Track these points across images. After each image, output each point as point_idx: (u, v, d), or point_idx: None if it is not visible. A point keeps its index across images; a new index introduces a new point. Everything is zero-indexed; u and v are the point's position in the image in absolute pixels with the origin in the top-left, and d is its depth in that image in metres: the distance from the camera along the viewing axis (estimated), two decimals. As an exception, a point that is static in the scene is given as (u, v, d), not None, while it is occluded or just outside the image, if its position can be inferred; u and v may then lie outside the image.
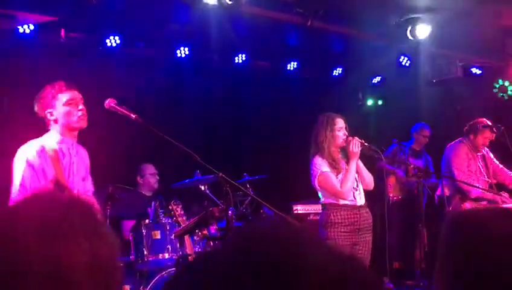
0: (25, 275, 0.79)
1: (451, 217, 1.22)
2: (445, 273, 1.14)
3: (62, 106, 3.14)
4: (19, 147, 3.16)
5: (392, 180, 6.50)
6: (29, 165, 3.01)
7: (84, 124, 3.19)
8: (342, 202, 4.19)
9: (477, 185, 5.32)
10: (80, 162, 3.27)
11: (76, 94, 3.21)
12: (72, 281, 0.79)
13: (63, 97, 3.15)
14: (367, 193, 4.38)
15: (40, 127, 3.25)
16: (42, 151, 3.07)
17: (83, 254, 0.82)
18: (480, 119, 5.61)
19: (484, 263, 1.06)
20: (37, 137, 3.22)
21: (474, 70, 7.43)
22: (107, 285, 0.84)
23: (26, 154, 3.05)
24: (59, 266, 0.80)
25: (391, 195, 6.41)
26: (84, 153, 3.37)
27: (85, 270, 0.81)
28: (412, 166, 6.23)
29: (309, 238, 0.70)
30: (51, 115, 3.14)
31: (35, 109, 3.18)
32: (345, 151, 4.27)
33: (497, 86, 7.37)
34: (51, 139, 3.14)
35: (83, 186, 3.26)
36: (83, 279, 0.80)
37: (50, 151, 3.08)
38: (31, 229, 0.82)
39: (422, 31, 6.04)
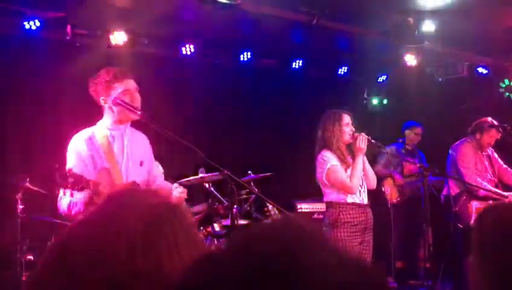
0: (126, 279, 0.78)
1: (489, 217, 1.23)
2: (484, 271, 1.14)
3: (117, 95, 3.04)
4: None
5: (389, 184, 6.44)
6: (77, 153, 2.97)
7: (136, 117, 3.08)
8: (349, 200, 4.16)
9: (485, 183, 5.30)
10: (134, 146, 3.16)
11: (132, 83, 3.11)
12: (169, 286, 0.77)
13: (119, 87, 3.05)
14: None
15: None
16: (91, 139, 3.01)
17: (180, 260, 0.81)
18: (486, 119, 5.59)
19: None
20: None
21: (480, 69, 7.40)
22: None
23: (75, 144, 3.01)
24: (159, 271, 0.79)
25: (390, 201, 6.36)
26: (141, 137, 3.27)
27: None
28: (417, 165, 6.21)
29: (314, 239, 0.68)
30: (105, 102, 3.05)
31: (90, 91, 3.09)
32: (351, 148, 4.25)
33: (503, 85, 7.34)
34: (102, 126, 3.07)
35: (139, 170, 3.14)
36: None
37: (100, 138, 3.01)
38: (135, 229, 0.81)
39: (428, 30, 6.02)
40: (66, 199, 2.86)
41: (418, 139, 6.70)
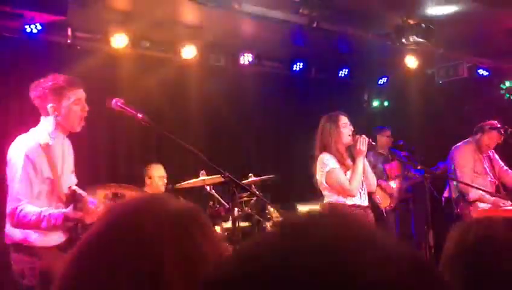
0: (159, 273, 0.77)
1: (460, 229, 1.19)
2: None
3: (68, 104, 3.03)
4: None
5: (378, 192, 6.40)
6: (30, 161, 2.92)
7: (80, 128, 3.14)
8: (349, 202, 4.15)
9: (480, 187, 5.25)
10: (68, 155, 3.22)
11: (82, 93, 3.12)
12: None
13: (72, 96, 3.05)
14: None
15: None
16: (38, 148, 2.97)
17: (211, 255, 0.81)
18: (490, 121, 5.57)
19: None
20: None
21: (480, 71, 7.40)
22: None
23: (24, 151, 2.95)
24: (193, 265, 0.79)
25: (383, 207, 6.33)
26: (70, 145, 3.29)
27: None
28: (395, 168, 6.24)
29: (360, 234, 0.61)
30: (53, 109, 3.02)
31: (34, 95, 3.03)
32: (351, 150, 4.25)
33: (504, 87, 7.34)
34: (43, 133, 3.02)
35: (70, 179, 3.19)
36: None
37: (44, 146, 2.98)
38: (165, 226, 0.81)
39: (428, 32, 6.02)
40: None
41: (391, 142, 6.62)
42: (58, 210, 2.90)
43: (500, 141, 5.57)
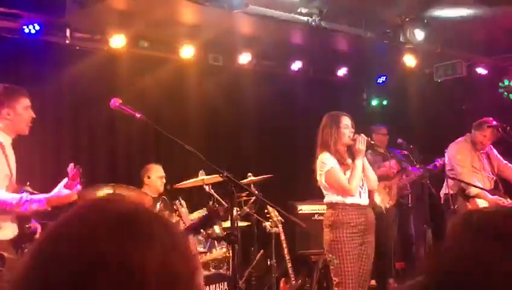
0: (98, 274, 0.75)
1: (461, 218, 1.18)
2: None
3: (22, 109, 3.28)
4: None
5: (379, 188, 6.39)
6: None
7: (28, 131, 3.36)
8: (349, 201, 4.15)
9: (479, 184, 5.27)
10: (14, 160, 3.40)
11: (30, 102, 3.37)
12: (140, 283, 0.75)
13: (24, 102, 3.30)
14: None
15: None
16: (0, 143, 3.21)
17: (155, 257, 0.78)
18: (485, 119, 5.62)
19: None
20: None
21: (479, 70, 7.40)
22: None
23: None
24: (132, 266, 0.76)
25: (383, 206, 6.33)
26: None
27: (154, 275, 0.76)
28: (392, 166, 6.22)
29: None
30: (8, 114, 3.24)
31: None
32: (351, 150, 4.25)
33: (503, 85, 7.35)
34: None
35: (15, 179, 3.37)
36: (151, 284, 0.76)
37: (4, 144, 3.23)
38: (107, 227, 0.79)
39: (427, 31, 6.02)
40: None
41: (386, 140, 6.58)
42: (40, 195, 3.10)
43: (495, 139, 5.59)
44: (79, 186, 3.16)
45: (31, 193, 3.13)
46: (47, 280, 0.75)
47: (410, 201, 6.53)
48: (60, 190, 3.09)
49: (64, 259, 0.76)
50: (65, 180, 3.11)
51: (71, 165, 3.13)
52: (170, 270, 0.78)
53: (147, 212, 0.84)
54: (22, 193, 3.11)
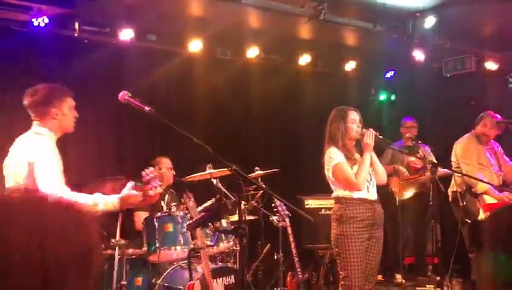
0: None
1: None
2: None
3: (68, 109, 3.32)
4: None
5: (395, 182, 6.38)
6: (54, 158, 3.18)
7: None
8: (356, 195, 4.15)
9: (486, 180, 5.23)
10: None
11: (74, 101, 3.41)
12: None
13: (70, 102, 3.34)
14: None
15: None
16: (54, 147, 3.25)
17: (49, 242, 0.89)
18: (487, 112, 5.63)
19: None
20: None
21: (488, 65, 7.35)
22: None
23: (49, 148, 3.19)
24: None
25: (397, 196, 6.31)
26: None
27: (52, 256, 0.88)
28: (414, 160, 6.17)
29: None
30: (56, 114, 3.27)
31: (36, 100, 3.27)
32: (360, 145, 4.25)
33: (512, 80, 7.29)
34: (49, 135, 3.27)
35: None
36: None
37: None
38: (23, 223, 0.89)
39: (437, 25, 5.98)
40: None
41: (414, 133, 6.55)
42: (112, 196, 3.14)
43: (499, 132, 5.59)
44: (157, 189, 3.18)
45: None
46: None
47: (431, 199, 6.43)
48: (130, 191, 3.13)
49: None
50: (131, 182, 3.16)
51: (150, 169, 3.15)
52: (64, 251, 0.89)
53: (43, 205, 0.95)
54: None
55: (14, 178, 3.14)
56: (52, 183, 3.06)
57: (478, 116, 5.70)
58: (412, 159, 6.23)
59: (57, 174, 3.14)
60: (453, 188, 5.61)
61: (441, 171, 5.83)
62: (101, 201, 3.09)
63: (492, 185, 5.27)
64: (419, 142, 5.50)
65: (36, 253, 0.86)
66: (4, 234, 0.86)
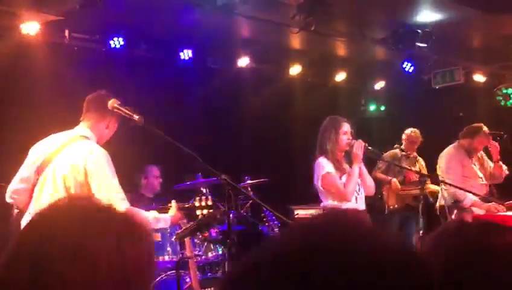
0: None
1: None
2: None
3: (115, 123, 3.20)
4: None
5: (387, 190, 6.37)
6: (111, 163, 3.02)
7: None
8: (345, 206, 4.16)
9: (472, 192, 5.18)
10: None
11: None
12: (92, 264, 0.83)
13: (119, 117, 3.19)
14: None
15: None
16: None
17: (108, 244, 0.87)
18: (478, 125, 5.53)
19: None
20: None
21: (477, 77, 7.43)
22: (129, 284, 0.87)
23: (107, 157, 3.00)
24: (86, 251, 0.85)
25: (388, 205, 6.30)
26: None
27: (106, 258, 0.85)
28: (412, 172, 6.14)
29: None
30: (108, 125, 3.17)
31: (103, 106, 3.12)
32: (349, 156, 4.26)
33: (500, 93, 7.37)
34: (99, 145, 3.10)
35: None
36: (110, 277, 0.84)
37: None
38: (72, 227, 0.87)
39: (424, 37, 6.03)
40: None
41: (416, 144, 6.51)
42: (165, 215, 3.20)
43: (488, 145, 5.51)
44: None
45: None
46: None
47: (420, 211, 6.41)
48: (177, 211, 3.22)
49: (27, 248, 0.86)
50: (174, 202, 3.25)
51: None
52: (121, 255, 0.87)
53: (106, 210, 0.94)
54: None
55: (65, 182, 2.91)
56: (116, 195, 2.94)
57: (471, 129, 5.50)
58: (413, 170, 6.17)
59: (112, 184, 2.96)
60: (440, 201, 5.57)
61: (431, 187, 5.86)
62: (162, 218, 3.12)
63: (479, 195, 5.24)
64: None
65: (116, 259, 0.85)
66: (89, 244, 0.85)
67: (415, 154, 6.48)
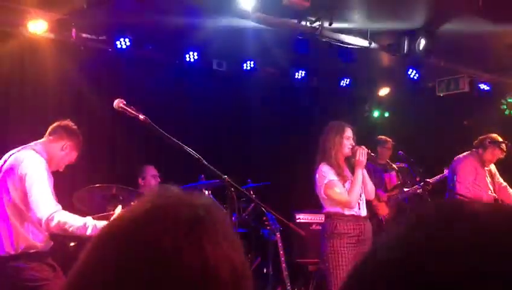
0: (173, 279, 0.73)
1: None
2: None
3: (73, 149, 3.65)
4: (18, 141, 3.30)
5: (376, 200, 6.33)
6: (49, 176, 3.44)
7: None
8: (347, 212, 4.15)
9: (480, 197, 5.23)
10: None
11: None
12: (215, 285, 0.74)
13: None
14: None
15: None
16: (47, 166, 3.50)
17: (224, 257, 0.77)
18: (491, 135, 5.55)
19: None
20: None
21: (482, 86, 7.41)
22: None
23: (43, 166, 3.40)
24: (206, 268, 0.75)
25: (380, 215, 6.28)
26: None
27: (227, 275, 0.76)
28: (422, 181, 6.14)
29: None
30: (63, 147, 3.64)
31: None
32: (350, 161, 4.25)
33: (505, 102, 7.36)
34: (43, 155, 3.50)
35: None
36: (227, 284, 0.76)
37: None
38: (175, 228, 0.77)
39: (431, 45, 6.03)
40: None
41: (390, 152, 6.48)
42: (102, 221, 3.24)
43: (501, 156, 5.55)
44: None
45: None
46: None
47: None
48: None
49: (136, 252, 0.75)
50: (120, 207, 3.34)
51: None
52: (230, 263, 0.78)
53: (215, 212, 0.83)
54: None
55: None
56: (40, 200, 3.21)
57: (485, 140, 5.53)
58: (388, 175, 6.20)
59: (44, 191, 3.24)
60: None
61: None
62: (93, 225, 3.15)
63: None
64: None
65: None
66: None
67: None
